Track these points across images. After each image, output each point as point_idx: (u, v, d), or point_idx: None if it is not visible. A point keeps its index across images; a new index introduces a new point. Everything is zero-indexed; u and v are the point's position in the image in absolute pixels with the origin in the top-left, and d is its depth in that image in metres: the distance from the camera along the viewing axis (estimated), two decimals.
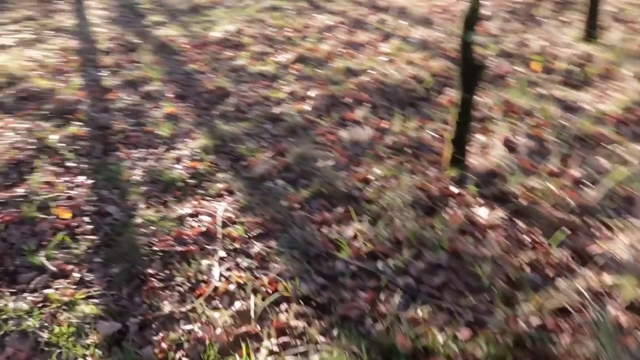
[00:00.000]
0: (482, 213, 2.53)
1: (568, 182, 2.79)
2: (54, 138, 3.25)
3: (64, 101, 3.83)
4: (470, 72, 2.69)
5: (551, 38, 5.26)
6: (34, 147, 3.15)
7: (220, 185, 2.87)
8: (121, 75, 4.42)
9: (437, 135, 3.38)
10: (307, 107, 3.87)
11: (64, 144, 3.20)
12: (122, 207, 2.66)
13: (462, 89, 2.72)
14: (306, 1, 7.77)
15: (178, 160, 3.15)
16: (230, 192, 2.80)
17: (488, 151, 3.11)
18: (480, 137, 3.30)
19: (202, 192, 2.82)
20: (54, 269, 2.19)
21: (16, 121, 3.52)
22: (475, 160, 2.98)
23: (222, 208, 2.62)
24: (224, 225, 2.48)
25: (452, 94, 3.93)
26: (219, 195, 2.78)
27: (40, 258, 2.23)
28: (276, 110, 3.83)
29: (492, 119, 3.56)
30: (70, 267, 2.22)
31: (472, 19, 2.65)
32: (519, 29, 5.84)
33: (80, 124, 3.52)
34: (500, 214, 2.52)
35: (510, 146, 3.18)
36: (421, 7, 7.12)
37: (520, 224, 2.45)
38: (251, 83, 4.41)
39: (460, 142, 2.81)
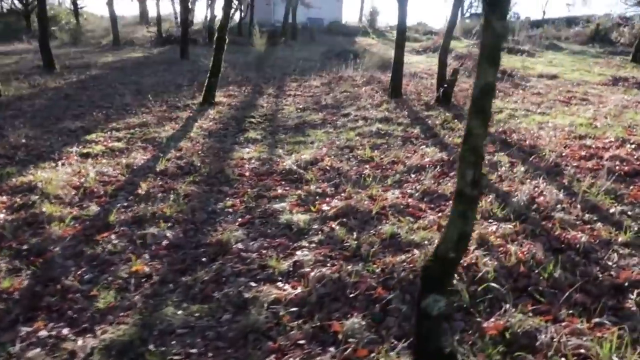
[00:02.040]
0: None
1: None
2: None
3: (47, 238, 3.49)
4: None
5: None
6: None
7: None
8: (138, 208, 4.00)
9: None
10: (294, 293, 2.85)
11: None
12: None
13: None
14: (423, 127, 6.86)
15: (72, 355, 2.41)
16: None
17: None
18: None
19: None
20: None
21: None
22: None
23: None
24: None
25: (513, 318, 2.54)
26: None
27: None
28: (254, 292, 2.89)
29: None
30: None
31: (443, 272, 1.45)
32: None
33: (31, 272, 3.08)
34: None
35: None
36: (561, 148, 5.62)
37: None
38: (267, 239, 3.58)
39: None
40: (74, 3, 26.50)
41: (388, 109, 7.96)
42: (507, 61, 15.28)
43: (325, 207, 4.09)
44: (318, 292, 2.87)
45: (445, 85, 8.15)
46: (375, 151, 5.70)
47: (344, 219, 3.83)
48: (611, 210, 3.96)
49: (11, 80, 10.21)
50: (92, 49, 19.65)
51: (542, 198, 4.17)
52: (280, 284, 2.99)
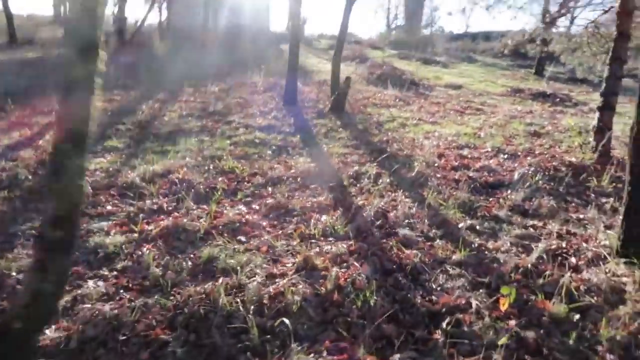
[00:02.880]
0: None
1: None
2: None
3: None
4: None
5: None
6: None
7: None
8: None
9: None
10: (52, 338, 2.33)
11: None
12: None
13: None
14: (305, 136, 6.52)
15: None
16: None
17: None
18: None
19: None
20: None
21: None
22: None
23: None
24: None
25: None
26: None
27: None
28: None
29: None
30: None
31: None
32: None
33: None
34: None
35: None
36: (435, 158, 5.42)
37: None
38: None
39: None
40: None
41: (276, 117, 7.57)
42: (421, 71, 15.46)
43: (150, 226, 3.59)
44: (84, 335, 2.36)
45: (337, 93, 7.89)
46: (242, 161, 5.27)
47: (166, 241, 3.35)
48: (460, 225, 3.74)
49: None
50: None
51: (393, 213, 3.90)
52: (46, 327, 2.46)
